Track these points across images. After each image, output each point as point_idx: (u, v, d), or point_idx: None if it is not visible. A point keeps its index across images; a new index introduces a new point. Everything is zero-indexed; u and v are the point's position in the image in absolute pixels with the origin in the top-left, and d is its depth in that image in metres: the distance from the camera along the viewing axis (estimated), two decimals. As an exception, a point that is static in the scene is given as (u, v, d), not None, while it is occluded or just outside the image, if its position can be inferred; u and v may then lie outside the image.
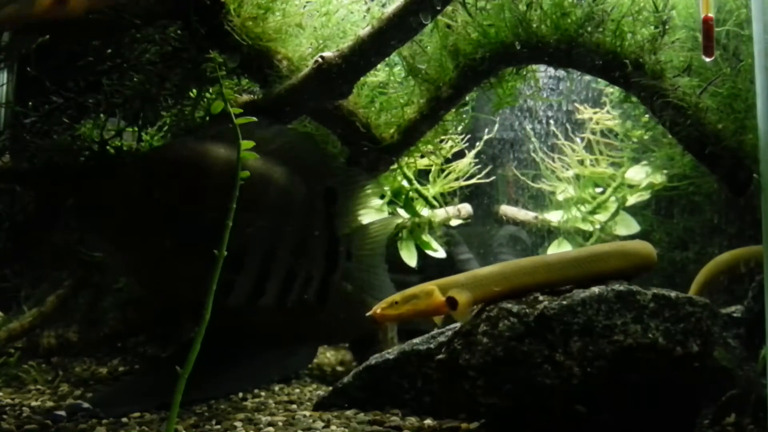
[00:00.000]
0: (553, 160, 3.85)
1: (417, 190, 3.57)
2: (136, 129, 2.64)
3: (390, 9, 2.39)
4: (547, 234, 3.84)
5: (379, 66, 2.66)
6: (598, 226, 3.73)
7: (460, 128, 3.32)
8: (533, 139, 3.90)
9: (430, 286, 2.03)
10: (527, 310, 1.94)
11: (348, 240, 2.70)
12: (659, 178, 3.58)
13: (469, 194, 3.74)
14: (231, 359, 2.58)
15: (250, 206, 2.28)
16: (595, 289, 1.96)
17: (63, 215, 2.75)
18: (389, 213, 3.55)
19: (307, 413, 2.37)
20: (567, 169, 3.83)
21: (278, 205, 2.52)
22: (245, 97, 2.60)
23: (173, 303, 2.79)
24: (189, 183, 2.42)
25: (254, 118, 1.92)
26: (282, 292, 2.52)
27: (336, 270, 2.66)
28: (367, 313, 2.06)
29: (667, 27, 2.39)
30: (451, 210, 3.69)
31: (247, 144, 1.88)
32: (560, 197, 3.84)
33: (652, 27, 2.40)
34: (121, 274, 3.10)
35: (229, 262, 1.83)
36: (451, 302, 1.98)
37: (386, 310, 2.02)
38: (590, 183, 3.80)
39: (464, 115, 3.10)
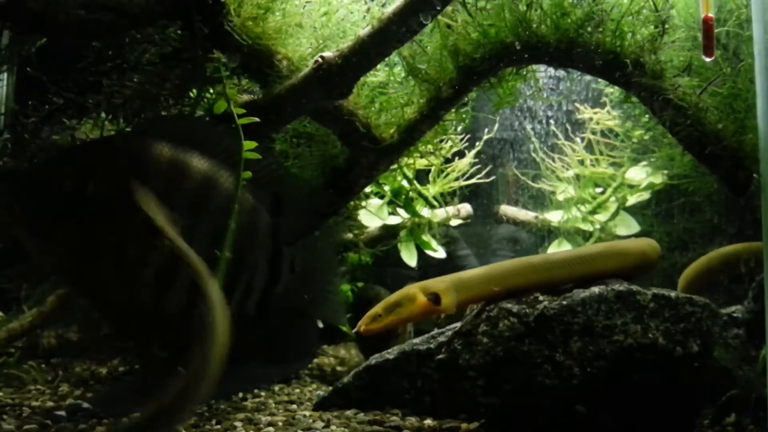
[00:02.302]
0: (553, 160, 3.85)
1: (417, 190, 3.57)
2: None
3: (390, 9, 2.38)
4: (547, 234, 3.84)
5: (379, 66, 2.66)
6: (598, 226, 3.74)
7: (460, 128, 3.32)
8: (533, 139, 3.90)
9: (413, 289, 2.00)
10: (527, 310, 1.94)
11: (291, 252, 2.49)
12: (659, 179, 3.58)
13: (469, 194, 3.74)
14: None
15: (188, 208, 2.16)
16: (595, 289, 1.96)
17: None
18: (389, 213, 3.55)
19: (307, 413, 2.36)
20: (567, 169, 3.84)
21: (219, 208, 2.24)
22: (245, 97, 2.60)
23: (100, 305, 2.53)
24: (124, 179, 2.18)
25: (256, 119, 1.89)
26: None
27: (277, 283, 2.44)
28: (353, 330, 2.02)
29: (666, 27, 2.39)
30: (451, 210, 3.69)
31: (249, 144, 1.86)
32: (560, 197, 3.85)
33: (652, 27, 2.40)
34: (48, 272, 2.86)
35: (165, 268, 1.72)
36: (435, 299, 1.97)
37: (370, 326, 1.97)
38: (590, 183, 3.81)
39: (464, 115, 3.09)
